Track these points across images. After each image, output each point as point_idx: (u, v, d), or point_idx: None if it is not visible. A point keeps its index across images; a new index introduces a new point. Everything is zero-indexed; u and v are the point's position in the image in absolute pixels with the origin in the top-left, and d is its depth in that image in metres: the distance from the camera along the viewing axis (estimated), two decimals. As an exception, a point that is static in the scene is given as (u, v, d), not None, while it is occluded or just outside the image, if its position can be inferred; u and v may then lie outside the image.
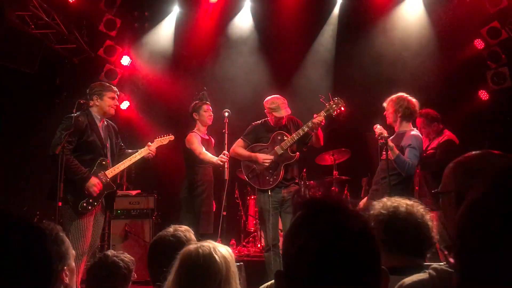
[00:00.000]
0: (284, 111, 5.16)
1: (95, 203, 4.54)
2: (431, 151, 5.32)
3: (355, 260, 1.01)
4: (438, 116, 5.52)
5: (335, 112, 5.00)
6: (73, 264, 2.14)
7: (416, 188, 5.46)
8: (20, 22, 6.72)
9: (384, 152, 4.59)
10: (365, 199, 4.96)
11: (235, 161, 5.57)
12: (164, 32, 8.29)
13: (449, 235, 1.49)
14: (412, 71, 7.48)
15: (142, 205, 6.82)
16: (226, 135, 5.39)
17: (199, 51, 8.08)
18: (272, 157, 5.13)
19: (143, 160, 4.99)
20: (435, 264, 1.58)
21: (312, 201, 1.12)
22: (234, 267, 1.99)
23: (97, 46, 7.77)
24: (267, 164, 5.12)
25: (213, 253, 1.93)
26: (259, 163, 5.17)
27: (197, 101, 5.66)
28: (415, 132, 4.69)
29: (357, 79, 7.73)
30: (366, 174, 6.52)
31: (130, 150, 5.04)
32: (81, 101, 4.64)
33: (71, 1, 7.28)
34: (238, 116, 6.06)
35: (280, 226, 5.41)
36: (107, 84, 4.96)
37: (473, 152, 1.55)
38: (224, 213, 5.29)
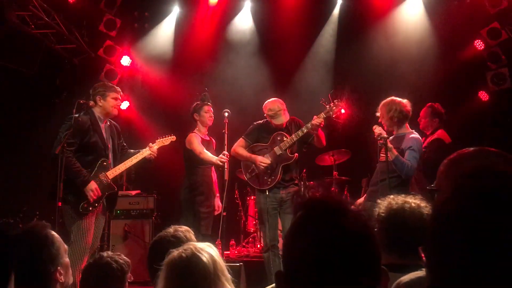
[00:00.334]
0: (282, 118, 5.19)
1: (96, 204, 4.54)
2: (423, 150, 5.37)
3: (356, 261, 1.01)
4: (442, 113, 5.70)
5: (335, 114, 5.00)
6: (67, 260, 2.12)
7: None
8: (20, 22, 6.72)
9: (383, 154, 4.60)
10: (361, 199, 4.96)
11: (235, 161, 5.57)
12: (164, 32, 8.30)
13: None
14: (412, 72, 7.48)
15: (141, 205, 6.82)
16: (226, 135, 5.39)
17: (199, 51, 8.08)
18: (269, 161, 5.13)
19: (145, 160, 4.96)
20: None
21: (312, 201, 1.12)
22: (220, 260, 2.00)
23: (97, 46, 7.77)
24: (263, 166, 5.12)
25: (196, 252, 1.93)
26: (256, 165, 5.18)
27: (198, 102, 5.65)
28: (414, 134, 4.69)
29: (357, 80, 7.73)
30: (366, 174, 6.51)
31: (132, 150, 5.01)
32: (81, 101, 4.62)
33: (71, 1, 7.27)
34: (238, 116, 6.06)
35: (280, 226, 5.41)
36: (110, 84, 4.94)
37: (468, 149, 1.54)
38: (224, 214, 5.30)
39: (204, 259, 1.92)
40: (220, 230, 5.16)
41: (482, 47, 7.37)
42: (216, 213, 5.55)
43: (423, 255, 1.00)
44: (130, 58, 8.02)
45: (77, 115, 4.46)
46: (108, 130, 4.77)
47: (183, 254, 1.94)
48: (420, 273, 1.59)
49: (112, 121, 4.90)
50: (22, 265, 1.98)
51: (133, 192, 7.11)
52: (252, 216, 7.32)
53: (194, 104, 5.66)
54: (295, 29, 7.88)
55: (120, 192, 7.20)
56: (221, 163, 5.29)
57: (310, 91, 7.34)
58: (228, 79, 7.99)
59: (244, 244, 7.23)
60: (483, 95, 7.51)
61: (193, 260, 1.91)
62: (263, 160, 5.15)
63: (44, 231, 2.07)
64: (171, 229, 2.46)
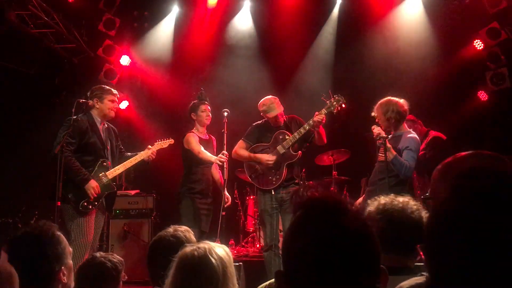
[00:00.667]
0: (276, 110, 5.18)
1: (96, 203, 4.62)
2: (421, 152, 5.36)
3: (356, 260, 1.01)
4: (414, 119, 5.70)
5: (336, 110, 4.98)
6: (71, 262, 2.14)
7: (418, 192, 5.46)
8: (20, 22, 6.72)
9: (381, 154, 4.60)
10: (360, 199, 4.96)
11: (234, 161, 5.57)
12: (164, 31, 8.29)
13: None
14: (411, 72, 7.48)
15: (141, 205, 6.83)
16: (225, 135, 5.38)
17: (198, 51, 8.07)
18: (275, 157, 5.13)
19: (143, 162, 5.07)
20: None
21: (311, 200, 1.11)
22: (231, 267, 1.98)
23: (97, 46, 7.76)
24: (270, 164, 5.12)
25: (209, 254, 1.92)
26: (262, 163, 5.17)
27: (195, 101, 5.63)
28: (412, 134, 4.67)
29: (356, 80, 7.73)
30: (366, 174, 6.50)
31: (129, 153, 5.11)
32: (81, 101, 4.71)
33: (71, 0, 7.27)
34: (237, 116, 6.06)
35: (280, 226, 5.41)
36: (107, 87, 5.00)
37: (462, 154, 1.53)
38: (223, 213, 5.28)
39: (214, 262, 1.91)
40: (219, 229, 5.15)
41: (482, 47, 7.37)
42: (227, 204, 5.49)
43: (422, 254, 1.01)
44: (130, 58, 8.02)
45: (75, 116, 4.53)
46: (106, 132, 4.88)
47: (195, 253, 1.92)
48: (420, 279, 1.58)
49: (109, 124, 5.00)
50: (28, 262, 2.00)
51: (133, 192, 7.11)
52: (251, 215, 7.31)
53: (191, 104, 5.63)
54: (295, 30, 7.87)
55: (119, 192, 7.20)
56: (220, 163, 5.27)
57: (309, 92, 7.34)
58: (228, 78, 7.98)
59: (243, 243, 7.22)
60: (483, 95, 7.51)
61: (202, 261, 1.90)
62: (269, 158, 5.14)
63: (52, 230, 2.09)
64: (170, 229, 2.46)
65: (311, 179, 7.02)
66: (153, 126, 7.90)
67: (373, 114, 4.76)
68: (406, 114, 4.69)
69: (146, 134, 7.63)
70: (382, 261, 1.04)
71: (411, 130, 4.75)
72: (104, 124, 4.87)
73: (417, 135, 5.49)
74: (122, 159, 5.00)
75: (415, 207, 2.02)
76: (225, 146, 5.34)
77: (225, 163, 5.25)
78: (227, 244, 6.76)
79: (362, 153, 6.59)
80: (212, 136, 5.75)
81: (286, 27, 7.88)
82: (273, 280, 2.26)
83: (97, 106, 4.77)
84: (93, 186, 4.55)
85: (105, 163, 4.74)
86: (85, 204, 4.54)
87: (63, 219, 4.52)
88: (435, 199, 1.51)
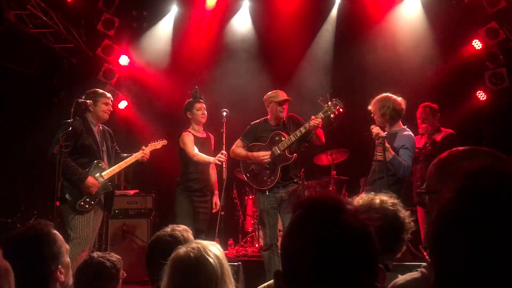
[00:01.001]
0: (282, 97, 5.20)
1: (92, 202, 4.71)
2: (433, 148, 5.37)
3: (355, 260, 1.01)
4: (437, 109, 5.74)
5: (333, 114, 4.98)
6: (68, 260, 2.13)
7: (417, 183, 5.49)
8: (18, 22, 6.71)
9: (377, 153, 4.61)
10: (358, 198, 4.95)
11: (233, 161, 5.56)
12: (162, 31, 8.29)
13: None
14: (410, 71, 7.48)
15: (140, 204, 6.83)
16: (224, 134, 5.38)
17: (197, 51, 8.07)
18: (269, 152, 5.13)
19: (138, 163, 5.18)
20: (426, 263, 1.58)
21: (310, 200, 1.11)
22: (226, 263, 1.98)
23: (95, 46, 7.76)
24: (266, 160, 5.11)
25: (205, 254, 1.91)
26: (258, 161, 5.17)
27: (189, 100, 5.60)
28: (407, 132, 4.67)
29: (355, 79, 7.73)
30: (365, 174, 6.49)
31: (125, 154, 5.19)
32: (79, 100, 4.80)
33: (69, 0, 7.26)
34: (236, 116, 6.06)
35: (280, 226, 5.40)
36: (101, 90, 5.09)
37: (458, 149, 1.52)
38: (222, 213, 5.28)
39: (212, 261, 1.90)
40: (217, 229, 5.14)
41: (480, 46, 7.37)
42: (214, 211, 5.50)
43: (425, 253, 1.01)
44: (128, 58, 8.02)
45: (69, 120, 4.63)
46: (101, 134, 4.99)
47: (191, 254, 1.91)
48: (415, 274, 1.58)
49: (105, 126, 5.12)
50: (24, 262, 1.99)
51: (132, 192, 7.11)
52: (250, 215, 7.31)
53: (186, 102, 5.60)
54: (294, 30, 7.87)
55: (118, 192, 7.22)
56: (219, 163, 5.24)
57: (308, 92, 7.33)
58: (226, 78, 7.98)
59: (242, 243, 7.22)
60: (481, 95, 7.52)
61: (200, 261, 1.89)
62: (265, 154, 5.13)
63: (47, 229, 2.09)
64: (168, 229, 2.46)
65: (310, 179, 7.02)
66: (151, 126, 7.90)
67: (369, 107, 4.76)
68: (402, 112, 4.68)
69: (145, 134, 7.62)
70: None
71: (405, 127, 4.74)
72: (99, 126, 4.98)
73: (429, 123, 5.55)
74: (118, 160, 5.10)
75: (391, 207, 2.03)
76: (224, 146, 5.33)
77: (224, 163, 5.24)
78: (226, 244, 6.77)
79: (361, 153, 6.59)
80: (211, 134, 5.72)
81: (285, 27, 7.88)
82: (272, 280, 2.26)
83: (91, 109, 4.88)
84: (90, 183, 4.68)
85: (100, 164, 4.84)
86: (82, 203, 4.65)
87: (62, 219, 4.57)
88: (432, 194, 1.51)
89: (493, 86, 7.33)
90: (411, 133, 4.69)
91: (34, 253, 2.01)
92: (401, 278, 1.61)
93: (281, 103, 5.19)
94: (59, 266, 2.05)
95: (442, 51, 7.59)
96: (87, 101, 4.83)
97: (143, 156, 5.11)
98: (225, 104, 6.03)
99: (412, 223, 2.09)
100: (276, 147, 5.12)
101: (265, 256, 5.11)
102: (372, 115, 4.78)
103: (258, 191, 5.23)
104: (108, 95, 5.06)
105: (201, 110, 5.52)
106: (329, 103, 4.98)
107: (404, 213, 2.06)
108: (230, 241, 7.05)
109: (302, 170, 6.66)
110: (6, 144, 7.15)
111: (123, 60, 7.94)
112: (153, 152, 5.32)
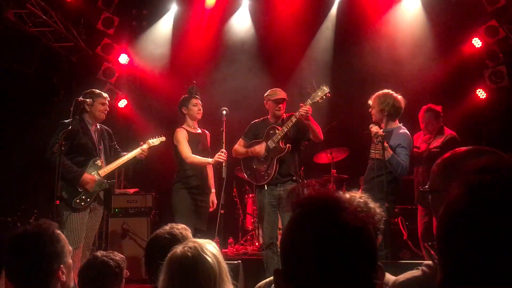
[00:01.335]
0: (279, 95, 5.19)
1: (88, 199, 4.72)
2: (435, 150, 5.33)
3: (355, 258, 1.01)
4: (440, 111, 5.61)
5: (320, 99, 4.90)
6: (70, 261, 2.14)
7: (420, 188, 5.47)
8: (18, 21, 6.71)
9: (373, 151, 4.61)
10: None
11: (233, 159, 5.55)
12: (162, 30, 8.29)
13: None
14: (410, 70, 7.48)
15: (140, 203, 6.84)
16: (224, 133, 5.33)
17: (197, 50, 8.07)
18: (264, 143, 5.15)
19: (136, 160, 5.16)
20: (427, 262, 1.58)
21: (310, 199, 1.11)
22: (223, 262, 1.98)
23: (95, 44, 7.76)
24: (262, 152, 5.12)
25: (203, 252, 1.91)
26: (255, 154, 5.18)
27: (185, 96, 5.48)
28: (403, 130, 4.66)
29: (355, 78, 7.72)
30: (365, 172, 6.51)
31: (125, 153, 5.16)
32: (79, 99, 4.82)
33: (69, -1, 7.27)
34: (236, 115, 6.06)
35: (280, 224, 5.39)
36: (98, 91, 5.08)
37: (461, 149, 1.53)
38: (222, 211, 5.24)
39: (210, 260, 1.90)
40: (217, 227, 5.13)
41: (480, 45, 7.37)
42: (211, 209, 5.42)
43: (432, 252, 1.00)
44: (128, 56, 8.01)
45: (67, 120, 4.67)
46: (99, 133, 5.00)
47: (188, 253, 1.90)
48: (416, 272, 1.58)
49: (103, 125, 5.13)
50: (27, 260, 2.01)
51: (131, 190, 7.11)
52: (250, 214, 7.32)
53: (182, 98, 5.48)
54: (293, 28, 7.86)
55: (118, 190, 7.24)
56: (221, 160, 5.07)
57: (308, 90, 7.33)
58: (226, 77, 7.98)
59: (242, 242, 7.23)
60: (481, 93, 7.52)
61: (198, 260, 1.88)
62: (260, 147, 5.15)
63: (51, 228, 2.10)
64: (167, 227, 2.46)
65: (310, 177, 7.02)
66: (151, 125, 7.89)
67: (369, 102, 4.77)
68: (400, 110, 4.68)
69: (144, 132, 7.60)
70: None
71: (401, 125, 4.73)
72: (96, 126, 4.99)
73: (432, 128, 5.48)
74: (118, 158, 5.08)
75: (361, 199, 2.05)
76: (223, 145, 5.26)
77: (224, 162, 5.19)
78: (226, 242, 6.77)
79: (361, 151, 6.59)
80: (206, 131, 5.60)
81: (285, 25, 7.87)
82: (271, 278, 2.26)
83: (88, 109, 4.89)
84: (89, 178, 4.70)
85: (97, 162, 4.85)
86: (78, 201, 4.67)
87: (60, 218, 4.57)
88: (437, 193, 1.51)
89: (493, 84, 7.33)
90: (406, 131, 4.69)
91: (37, 252, 2.02)
92: (401, 276, 1.62)
93: (277, 101, 5.19)
94: (61, 266, 2.05)
95: (442, 49, 7.59)
96: (87, 100, 4.84)
97: (141, 154, 5.07)
98: (225, 102, 6.02)
99: (383, 213, 2.14)
100: (271, 140, 5.12)
101: (264, 255, 5.11)
102: (370, 109, 4.78)
103: (257, 189, 5.23)
104: (105, 95, 5.06)
105: (197, 106, 5.39)
106: (317, 90, 4.95)
107: (374, 204, 2.11)
108: (230, 240, 7.05)
109: (302, 168, 6.65)
110: (6, 143, 7.15)
111: (123, 58, 7.94)
112: (153, 151, 5.29)
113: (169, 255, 1.94)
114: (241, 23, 8.31)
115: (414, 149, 5.30)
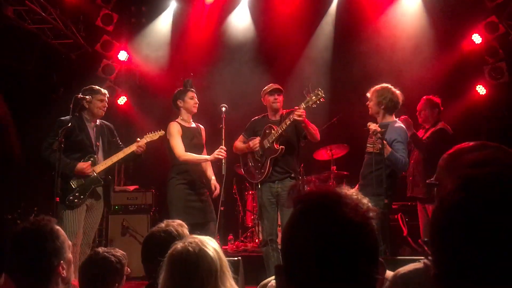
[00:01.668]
0: (274, 85, 5.23)
1: (82, 197, 4.71)
2: (426, 140, 5.37)
3: (357, 254, 1.01)
4: (439, 103, 5.62)
5: (314, 104, 4.87)
6: (70, 256, 2.15)
7: (410, 178, 5.49)
8: (17, 18, 6.69)
9: (369, 145, 4.62)
10: None
11: (233, 156, 5.55)
12: (161, 27, 8.27)
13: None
14: (410, 66, 7.46)
15: (140, 200, 6.84)
16: (223, 130, 5.29)
17: (196, 46, 8.05)
18: (258, 138, 5.19)
19: (134, 155, 5.00)
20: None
21: (310, 195, 1.10)
22: (224, 256, 1.99)
23: (94, 41, 7.75)
24: (256, 148, 5.16)
25: (204, 247, 1.92)
26: (251, 149, 5.21)
27: (180, 89, 5.31)
28: (398, 124, 4.66)
29: (354, 75, 7.71)
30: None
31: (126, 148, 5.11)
32: (78, 96, 4.79)
33: (68, -4, 7.25)
34: (235, 111, 6.05)
35: (279, 221, 5.39)
36: (97, 87, 5.06)
37: (468, 144, 1.53)
38: (222, 208, 5.20)
39: (211, 254, 1.91)
40: (217, 224, 5.12)
41: (480, 41, 7.36)
42: (214, 195, 5.24)
43: (426, 247, 1.00)
44: (127, 53, 8.00)
45: (65, 117, 4.68)
46: (98, 130, 4.98)
47: (190, 248, 1.90)
48: (418, 264, 1.58)
49: (105, 122, 5.11)
50: (27, 257, 2.02)
51: (131, 188, 7.12)
52: (250, 210, 7.32)
53: (176, 91, 5.31)
54: (293, 25, 7.84)
55: (118, 188, 7.24)
56: (220, 157, 4.99)
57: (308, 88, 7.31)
58: (226, 74, 7.97)
59: (242, 238, 7.24)
60: (481, 89, 7.51)
61: (200, 255, 1.89)
62: (255, 142, 5.18)
63: (50, 225, 2.10)
64: (163, 224, 2.46)
65: (310, 174, 7.02)
66: (150, 121, 7.88)
67: (367, 94, 4.77)
68: (398, 105, 4.69)
69: (144, 129, 7.59)
70: None
71: (397, 119, 4.74)
72: (95, 122, 4.98)
73: (428, 119, 5.51)
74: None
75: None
76: (223, 141, 5.21)
77: (223, 158, 5.14)
78: (226, 239, 6.78)
79: (361, 147, 6.59)
80: (201, 125, 5.43)
81: (285, 22, 7.85)
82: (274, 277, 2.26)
83: (86, 106, 4.88)
84: (82, 166, 4.70)
85: (92, 159, 4.84)
86: (71, 198, 4.65)
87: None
88: (441, 189, 1.51)
89: (492, 80, 7.33)
90: (402, 125, 4.70)
91: (37, 248, 2.03)
92: (403, 268, 1.62)
93: (271, 92, 5.19)
94: (61, 261, 2.06)
95: (442, 45, 7.58)
96: (86, 96, 4.82)
97: (138, 148, 4.93)
98: (224, 99, 6.00)
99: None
100: (266, 139, 5.13)
101: (263, 252, 5.11)
102: (367, 102, 4.78)
103: (256, 185, 5.24)
104: (104, 91, 5.03)
105: (194, 99, 5.23)
106: (311, 93, 4.92)
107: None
108: (230, 236, 7.07)
109: (302, 165, 6.66)
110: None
111: (122, 55, 7.93)
112: (152, 148, 5.26)
113: (169, 251, 1.94)
114: (241, 19, 8.29)
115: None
